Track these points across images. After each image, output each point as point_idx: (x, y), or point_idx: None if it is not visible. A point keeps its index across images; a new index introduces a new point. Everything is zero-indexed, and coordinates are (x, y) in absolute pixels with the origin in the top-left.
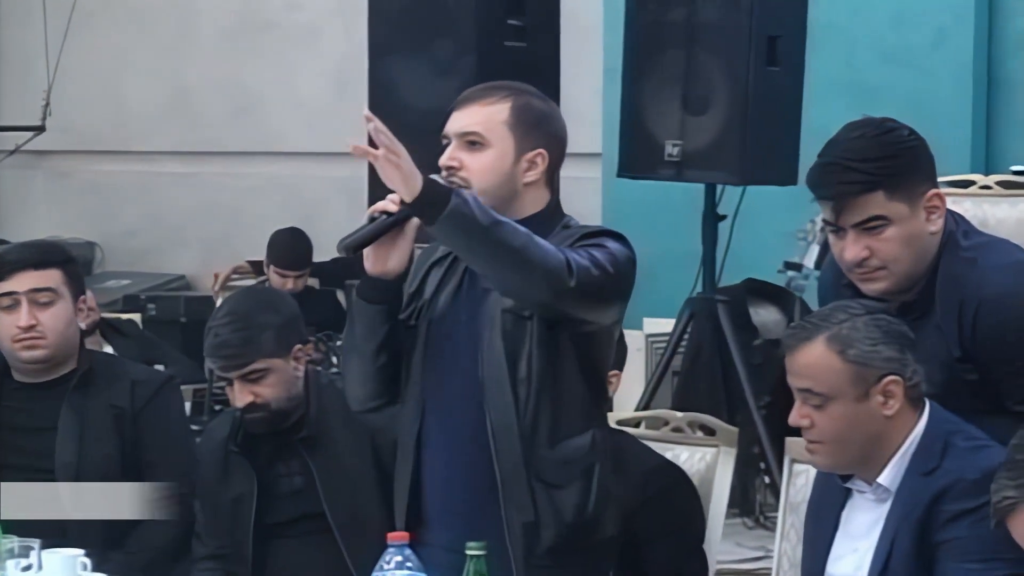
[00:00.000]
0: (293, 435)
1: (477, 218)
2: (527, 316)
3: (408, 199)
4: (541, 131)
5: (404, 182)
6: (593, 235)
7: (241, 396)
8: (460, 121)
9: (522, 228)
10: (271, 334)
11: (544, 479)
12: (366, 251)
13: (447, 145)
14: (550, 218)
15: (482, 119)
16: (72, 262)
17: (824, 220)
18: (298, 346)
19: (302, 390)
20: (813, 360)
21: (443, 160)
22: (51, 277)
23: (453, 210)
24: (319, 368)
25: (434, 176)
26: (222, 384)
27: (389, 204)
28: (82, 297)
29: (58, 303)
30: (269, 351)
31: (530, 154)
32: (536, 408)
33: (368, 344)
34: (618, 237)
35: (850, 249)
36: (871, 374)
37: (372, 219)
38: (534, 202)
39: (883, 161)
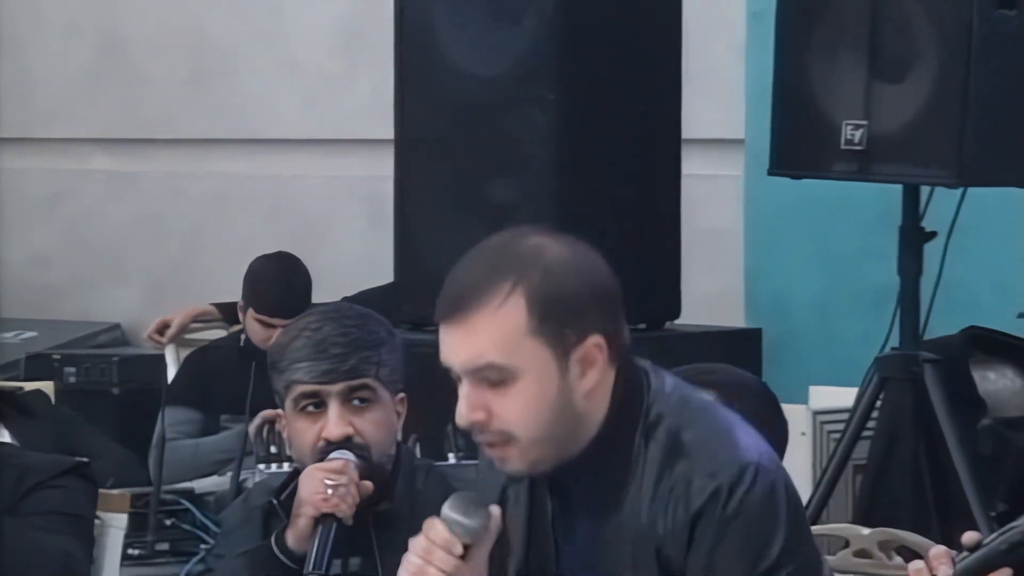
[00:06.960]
0: (372, 507)
1: None
2: None
3: None
4: (585, 306)
5: None
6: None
7: (338, 424)
8: (462, 349)
9: None
10: (388, 353)
11: None
12: None
13: (457, 379)
14: (617, 430)
15: (494, 339)
16: None
17: None
18: (401, 395)
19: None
20: None
21: (461, 414)
22: None
23: None
24: None
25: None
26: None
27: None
28: None
29: None
30: (385, 375)
31: (579, 350)
32: None
33: None
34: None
35: None
36: None
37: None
38: (600, 413)
39: None
